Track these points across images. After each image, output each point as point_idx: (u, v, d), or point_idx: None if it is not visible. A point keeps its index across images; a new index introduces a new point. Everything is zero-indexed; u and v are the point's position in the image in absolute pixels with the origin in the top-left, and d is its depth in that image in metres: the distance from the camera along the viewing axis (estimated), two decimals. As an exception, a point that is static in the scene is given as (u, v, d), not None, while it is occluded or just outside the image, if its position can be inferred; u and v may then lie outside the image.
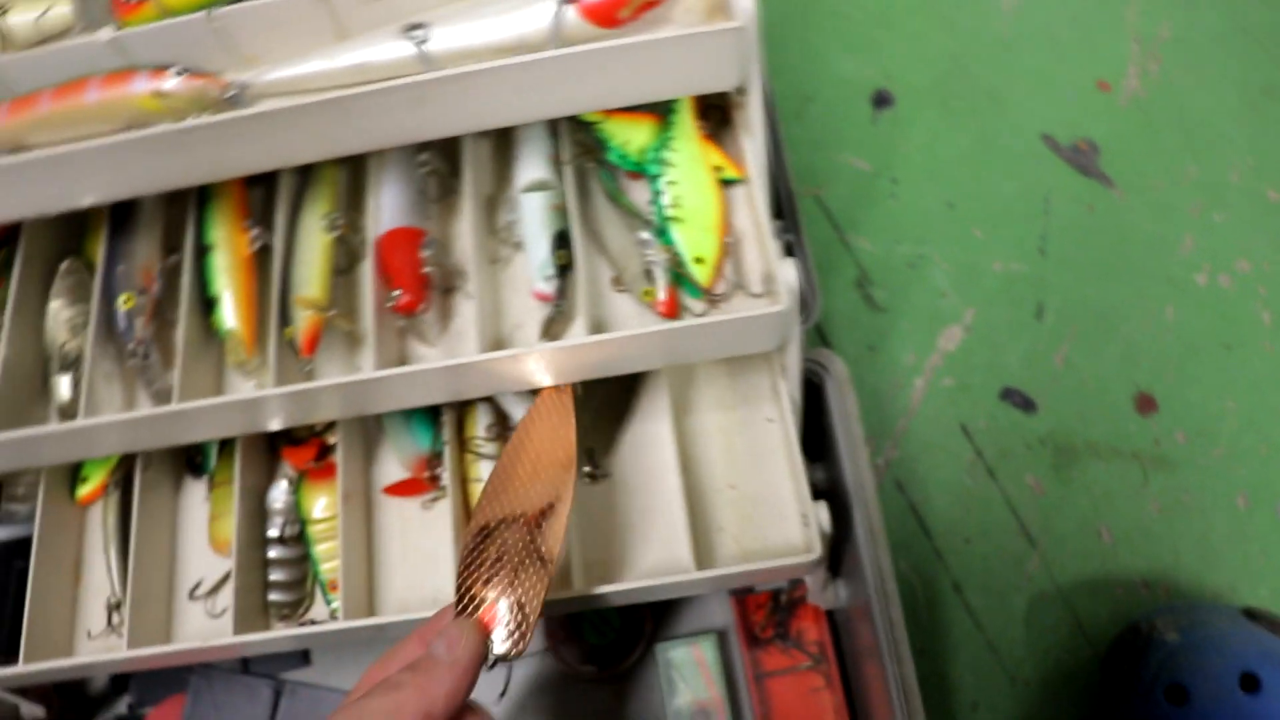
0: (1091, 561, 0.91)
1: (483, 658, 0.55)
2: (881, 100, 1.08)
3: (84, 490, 0.78)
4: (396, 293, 0.67)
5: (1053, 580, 0.90)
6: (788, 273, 0.64)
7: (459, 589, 0.59)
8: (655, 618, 0.90)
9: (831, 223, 0.99)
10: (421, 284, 0.67)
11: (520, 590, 0.58)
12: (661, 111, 0.72)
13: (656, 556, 0.74)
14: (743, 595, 0.87)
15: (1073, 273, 1.00)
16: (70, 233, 0.78)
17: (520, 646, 0.56)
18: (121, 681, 0.92)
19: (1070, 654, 0.88)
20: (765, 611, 0.87)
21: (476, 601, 0.58)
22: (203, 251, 0.72)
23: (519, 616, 0.57)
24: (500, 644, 0.56)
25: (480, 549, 0.60)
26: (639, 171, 0.72)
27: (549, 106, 0.63)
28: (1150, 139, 1.05)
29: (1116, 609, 0.89)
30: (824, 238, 0.99)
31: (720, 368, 0.79)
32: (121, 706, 0.92)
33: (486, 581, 0.59)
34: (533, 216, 0.69)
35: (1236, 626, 0.81)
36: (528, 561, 0.59)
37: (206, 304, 0.71)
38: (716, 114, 0.74)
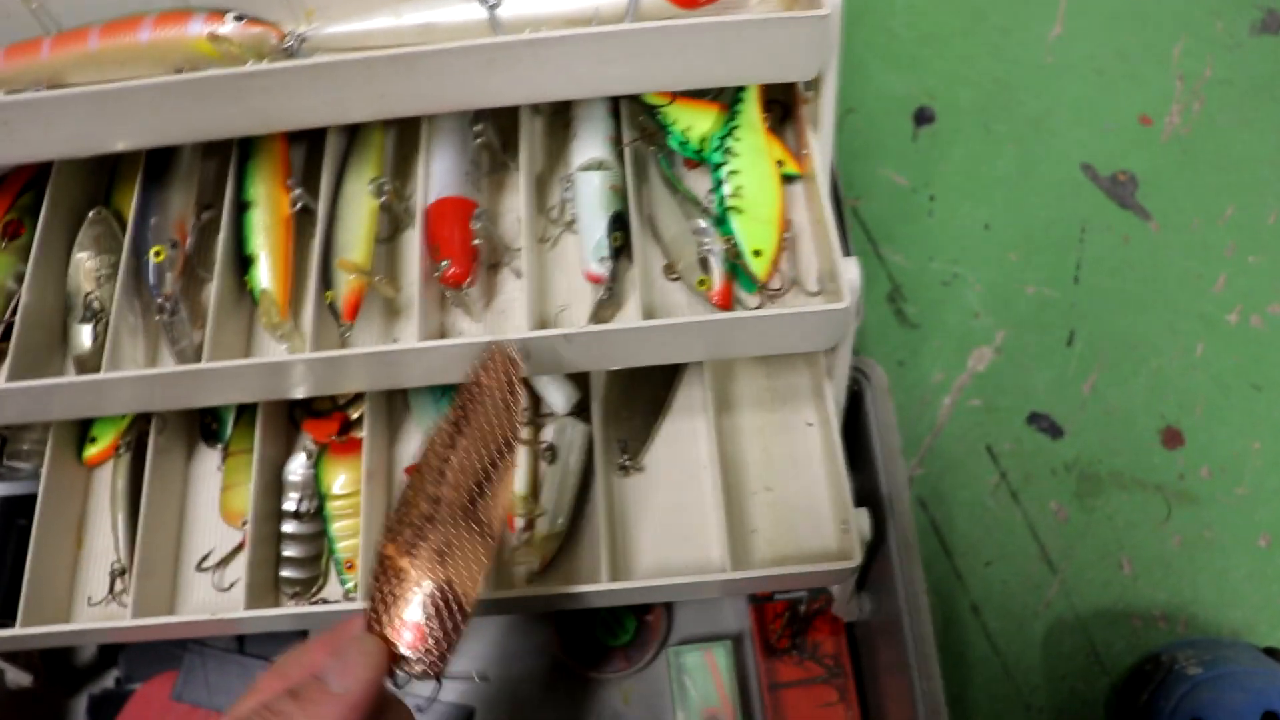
0: (1111, 591, 0.89)
1: (380, 684, 0.45)
2: (923, 117, 1.08)
3: (92, 451, 0.76)
4: (445, 263, 0.65)
5: (1072, 608, 0.89)
6: (850, 271, 0.63)
7: (378, 556, 0.49)
8: (668, 620, 0.88)
9: (867, 235, 0.98)
10: (470, 256, 0.65)
11: (453, 568, 0.48)
12: (726, 100, 0.70)
13: (685, 555, 0.72)
14: (762, 603, 0.86)
15: (1105, 302, 1.00)
16: (98, 181, 0.75)
17: (437, 667, 0.47)
18: (111, 653, 0.89)
19: (1085, 683, 0.87)
20: (782, 621, 0.85)
21: (399, 577, 0.48)
22: (242, 208, 0.69)
23: (443, 618, 0.47)
24: (414, 663, 0.46)
25: (406, 511, 0.50)
26: (698, 159, 0.70)
27: (621, 82, 0.61)
28: (1189, 176, 1.05)
29: (1134, 640, 0.88)
30: (858, 250, 0.98)
31: (758, 368, 0.78)
32: (109, 680, 0.88)
33: (411, 549, 0.49)
34: (590, 196, 0.67)
35: (1259, 664, 0.80)
36: (463, 529, 0.49)
37: (241, 262, 0.69)
38: (778, 108, 0.72)
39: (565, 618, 0.87)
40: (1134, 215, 1.04)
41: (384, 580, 0.48)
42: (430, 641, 0.47)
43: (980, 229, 1.03)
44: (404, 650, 0.46)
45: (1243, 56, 1.11)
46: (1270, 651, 0.82)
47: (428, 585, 0.48)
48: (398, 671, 0.47)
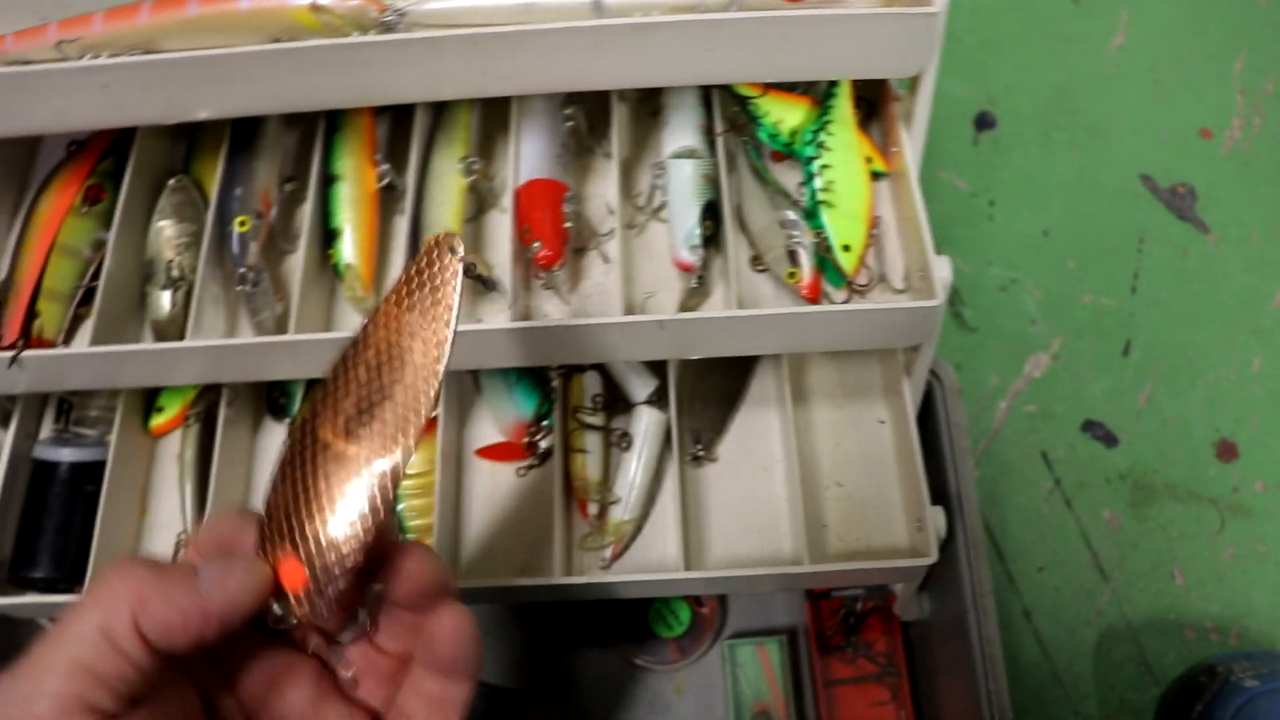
0: (1162, 601, 0.90)
1: (250, 612, 0.37)
2: (984, 122, 1.08)
3: (159, 420, 0.75)
4: (536, 244, 0.64)
5: (1123, 616, 0.89)
6: (943, 269, 0.62)
7: (273, 481, 0.41)
8: (721, 613, 0.88)
9: (926, 237, 0.98)
10: (562, 239, 0.65)
11: (344, 513, 0.39)
12: (817, 95, 0.70)
13: (756, 547, 0.72)
14: (818, 599, 0.85)
15: (1162, 313, 1.00)
16: (178, 149, 0.75)
17: (317, 608, 0.39)
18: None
19: (1136, 692, 0.87)
20: (838, 618, 0.85)
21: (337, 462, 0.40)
22: (328, 181, 0.69)
23: (335, 555, 0.39)
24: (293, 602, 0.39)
25: (304, 443, 0.41)
26: (786, 152, 0.70)
27: (724, 70, 0.61)
28: (1249, 190, 1.05)
29: (1185, 651, 0.88)
30: (917, 251, 0.97)
31: (830, 363, 0.78)
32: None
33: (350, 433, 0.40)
34: (682, 184, 0.67)
35: (1315, 680, 0.80)
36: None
37: (326, 236, 0.69)
38: (864, 105, 0.72)
39: (619, 607, 0.87)
40: (1193, 228, 1.04)
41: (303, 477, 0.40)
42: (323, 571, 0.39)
43: (1039, 235, 1.03)
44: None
45: (1305, 74, 1.11)
46: (1324, 667, 0.83)
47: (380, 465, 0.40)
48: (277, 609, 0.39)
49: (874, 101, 0.73)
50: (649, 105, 0.74)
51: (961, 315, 0.99)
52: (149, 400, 0.76)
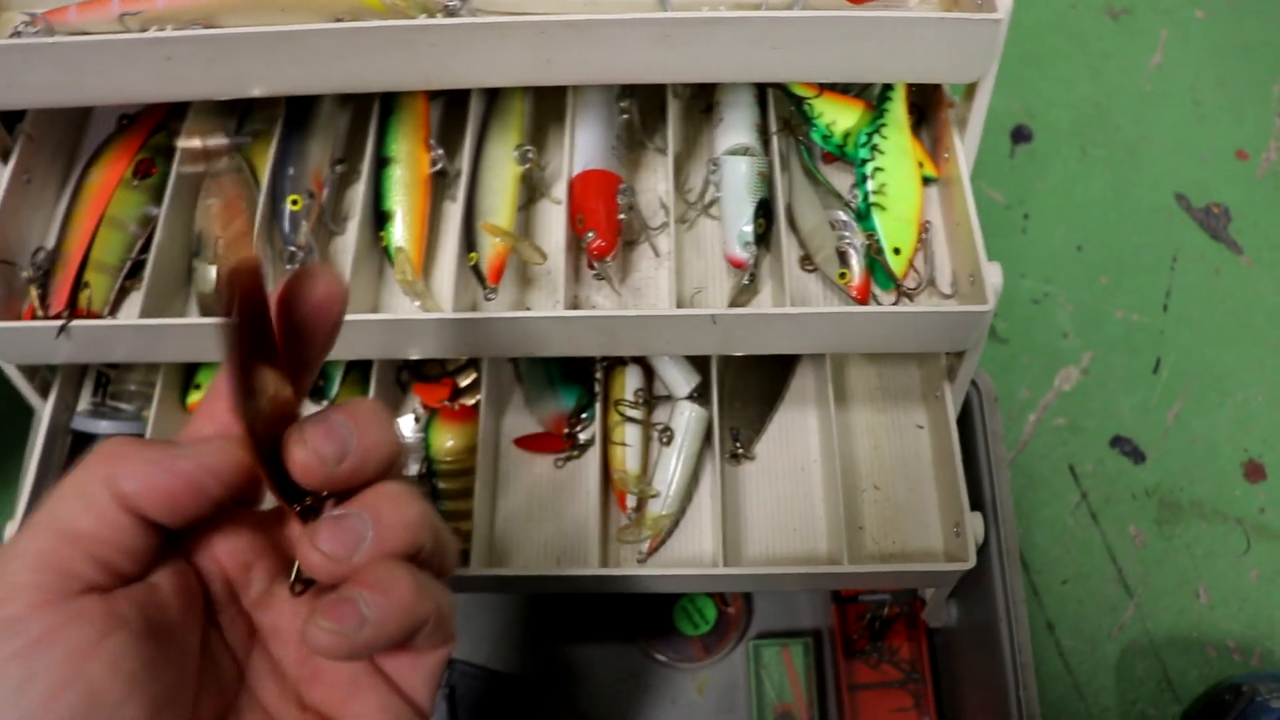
0: (1186, 619, 0.90)
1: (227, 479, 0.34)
2: (1021, 135, 1.08)
3: (196, 396, 0.75)
4: (590, 234, 0.64)
5: (1146, 633, 0.89)
6: (994, 275, 0.63)
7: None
8: (747, 613, 0.88)
9: (960, 246, 0.99)
10: (615, 230, 0.65)
11: None
12: (871, 98, 0.70)
13: (792, 546, 0.72)
14: (845, 603, 0.85)
15: (1193, 332, 1.00)
16: (228, 125, 0.75)
17: None
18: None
19: (1157, 709, 0.87)
20: (864, 623, 0.85)
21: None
22: (382, 164, 0.69)
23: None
24: None
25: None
26: (838, 154, 0.70)
27: (786, 68, 0.61)
28: (1284, 213, 1.06)
29: (1208, 670, 0.88)
30: (951, 260, 0.98)
31: (870, 366, 0.78)
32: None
33: None
34: (736, 181, 0.67)
35: (1340, 703, 0.80)
36: None
37: (377, 218, 0.69)
38: (915, 111, 0.72)
39: (643, 601, 0.87)
40: (1226, 248, 1.04)
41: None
42: None
43: (1072, 250, 1.04)
44: None
45: (1343, 101, 1.12)
46: (1349, 690, 0.83)
47: None
48: None
49: (924, 107, 0.73)
50: (700, 102, 0.75)
51: (994, 327, 0.99)
52: (187, 377, 0.76)
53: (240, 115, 0.75)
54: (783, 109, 0.71)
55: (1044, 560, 0.92)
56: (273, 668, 0.36)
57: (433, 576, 0.35)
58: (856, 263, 0.66)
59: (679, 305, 0.65)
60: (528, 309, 0.69)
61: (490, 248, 0.65)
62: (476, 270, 0.65)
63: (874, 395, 0.77)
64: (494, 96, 0.72)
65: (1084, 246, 1.04)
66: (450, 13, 0.62)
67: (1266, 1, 1.18)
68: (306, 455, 0.33)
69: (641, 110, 0.73)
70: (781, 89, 0.71)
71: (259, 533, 0.36)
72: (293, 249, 0.67)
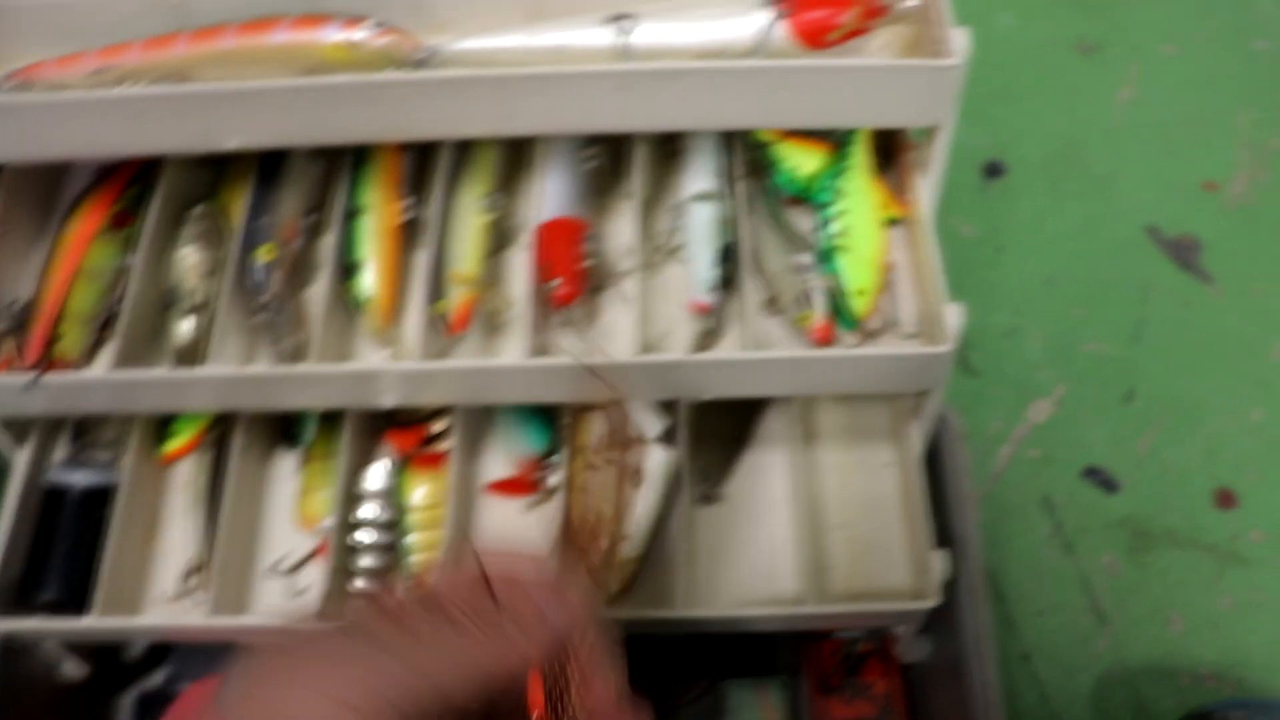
0: (1160, 648, 0.90)
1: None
2: (993, 170, 1.10)
3: (171, 446, 0.76)
4: (556, 282, 0.65)
5: (1121, 662, 0.90)
6: (954, 316, 0.64)
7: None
8: (718, 653, 0.88)
9: (932, 281, 1.00)
10: (580, 277, 0.66)
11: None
12: (835, 141, 0.71)
13: (759, 587, 0.73)
14: (819, 640, 0.86)
15: (1164, 363, 1.01)
16: (205, 177, 0.76)
17: None
18: (159, 653, 0.88)
19: (1132, 738, 0.87)
20: (837, 659, 0.85)
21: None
22: (352, 214, 0.70)
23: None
24: None
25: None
26: (802, 197, 0.71)
27: (747, 116, 0.63)
28: (1253, 243, 1.07)
29: (1182, 698, 0.88)
30: (924, 295, 0.99)
31: (839, 406, 0.79)
32: (159, 678, 0.88)
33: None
34: (700, 227, 0.68)
35: (1311, 731, 0.81)
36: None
37: (346, 268, 0.70)
38: (881, 152, 0.74)
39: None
40: (1195, 279, 1.05)
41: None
42: None
43: (1044, 283, 1.05)
44: None
45: (1311, 131, 1.13)
46: (1321, 718, 0.83)
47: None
48: None
49: (890, 148, 0.74)
50: (668, 146, 0.76)
51: (966, 360, 1.01)
52: (163, 426, 0.77)
53: (217, 168, 0.76)
54: (747, 154, 0.73)
55: (1018, 591, 0.92)
56: None
57: None
58: (818, 305, 0.67)
59: (644, 351, 0.66)
60: (496, 357, 0.70)
61: (456, 296, 0.66)
62: (443, 319, 0.66)
63: (843, 434, 0.78)
64: (465, 146, 0.73)
65: (1055, 279, 1.05)
66: (420, 65, 0.63)
67: (1233, 35, 1.21)
68: None
69: (611, 155, 0.74)
70: (745, 134, 0.72)
71: None
72: (264, 299, 0.68)
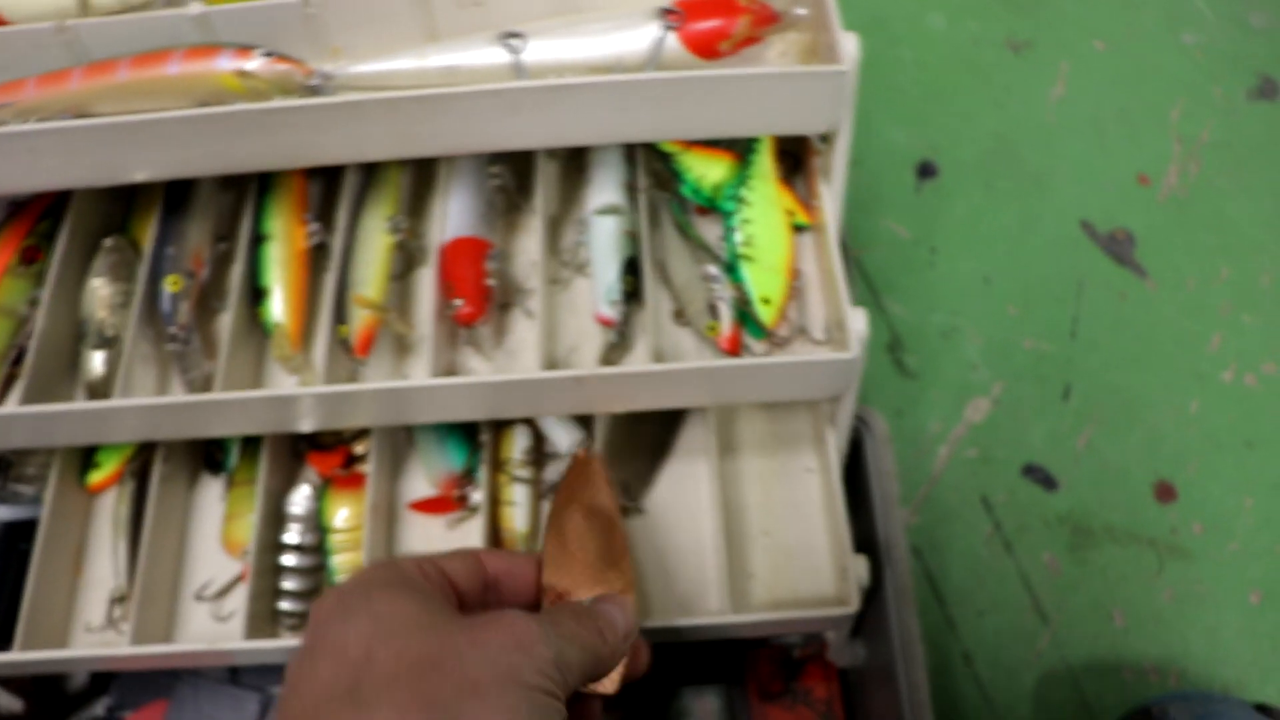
0: (1102, 643, 0.90)
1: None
2: (926, 171, 1.10)
3: (96, 477, 0.76)
4: (458, 302, 0.66)
5: (1063, 659, 0.90)
6: (858, 321, 0.64)
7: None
8: (658, 661, 0.88)
9: (868, 285, 1.00)
10: (484, 296, 0.66)
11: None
12: (740, 150, 0.72)
13: (682, 597, 0.72)
14: (756, 647, 0.86)
15: (1101, 357, 1.02)
16: (115, 210, 0.76)
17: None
18: (103, 681, 0.88)
19: (1076, 735, 0.87)
20: (775, 665, 0.85)
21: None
22: (258, 241, 0.70)
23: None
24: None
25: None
26: (710, 207, 0.72)
27: (642, 129, 0.62)
28: (1186, 236, 1.08)
29: (1125, 693, 0.88)
30: (861, 300, 0.99)
31: (761, 413, 0.79)
32: (99, 708, 0.87)
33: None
34: (603, 240, 0.68)
35: (1250, 721, 0.80)
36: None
37: (255, 295, 0.70)
38: (789, 159, 0.74)
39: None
40: (1131, 273, 1.06)
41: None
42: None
43: (980, 282, 1.05)
44: None
45: (1239, 121, 1.14)
46: (1261, 708, 0.83)
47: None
48: None
49: (798, 155, 0.75)
50: (577, 162, 0.76)
51: (902, 362, 1.01)
52: (86, 457, 0.76)
53: (127, 200, 0.76)
54: (652, 165, 0.73)
55: (959, 593, 0.92)
56: None
57: None
58: (725, 315, 0.67)
59: (550, 367, 0.66)
60: (405, 377, 0.70)
61: (359, 320, 0.66)
62: (346, 343, 0.66)
63: (766, 441, 0.78)
64: (371, 169, 0.73)
65: (992, 278, 1.06)
66: (314, 91, 0.63)
67: (1163, 29, 1.21)
68: None
69: (518, 173, 0.74)
70: (648, 146, 0.72)
71: None
72: (173, 329, 0.68)
